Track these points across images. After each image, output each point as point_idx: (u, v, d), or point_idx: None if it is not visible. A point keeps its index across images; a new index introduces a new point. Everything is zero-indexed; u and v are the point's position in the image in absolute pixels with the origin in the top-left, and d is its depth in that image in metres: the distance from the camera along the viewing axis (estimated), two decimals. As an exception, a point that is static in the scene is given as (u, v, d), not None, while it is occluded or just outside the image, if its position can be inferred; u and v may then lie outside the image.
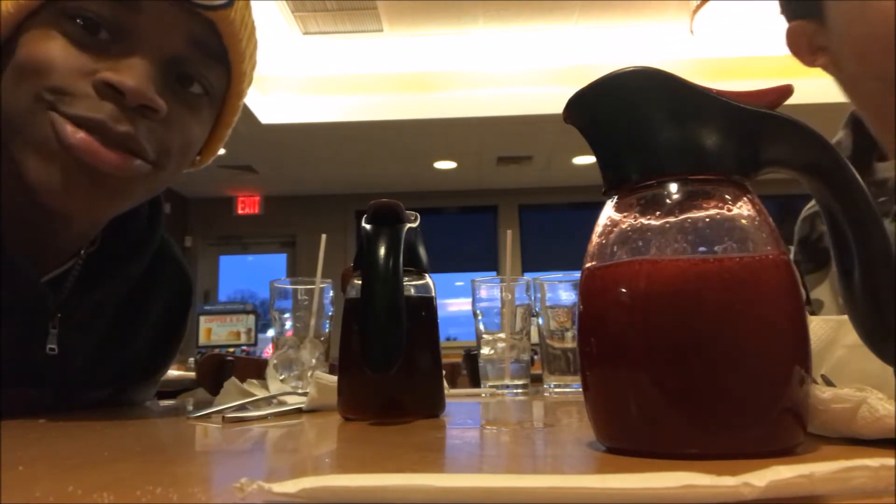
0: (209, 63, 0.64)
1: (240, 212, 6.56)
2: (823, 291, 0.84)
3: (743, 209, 0.35)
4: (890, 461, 0.22)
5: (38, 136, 0.57)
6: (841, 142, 0.89)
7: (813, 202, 0.93)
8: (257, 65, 0.72)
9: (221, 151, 0.79)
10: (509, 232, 0.98)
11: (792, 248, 0.92)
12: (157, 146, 0.62)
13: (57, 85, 0.57)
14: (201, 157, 0.74)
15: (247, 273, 6.69)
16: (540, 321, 0.91)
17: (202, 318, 5.47)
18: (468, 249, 6.45)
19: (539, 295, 0.91)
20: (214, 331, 5.47)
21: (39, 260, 0.68)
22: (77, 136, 0.56)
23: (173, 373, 2.88)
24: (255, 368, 0.94)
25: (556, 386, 0.88)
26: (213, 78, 0.66)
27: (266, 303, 0.95)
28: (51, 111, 0.57)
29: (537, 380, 0.92)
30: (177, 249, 0.89)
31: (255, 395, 0.73)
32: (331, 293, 0.88)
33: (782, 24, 0.85)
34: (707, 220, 0.35)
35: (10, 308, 0.64)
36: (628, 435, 0.34)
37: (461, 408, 0.69)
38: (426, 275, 0.62)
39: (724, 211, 0.35)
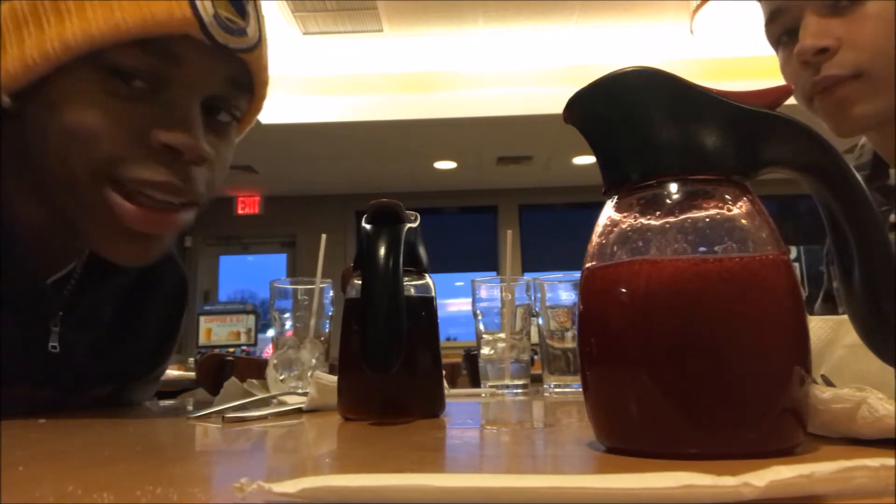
0: (239, 95, 0.66)
1: (240, 212, 6.56)
2: None
3: (743, 209, 0.35)
4: (890, 461, 0.22)
5: (96, 211, 0.59)
6: (865, 144, 0.88)
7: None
8: None
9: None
10: (509, 232, 0.98)
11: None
12: (205, 186, 0.64)
13: (113, 153, 0.57)
14: None
15: (247, 273, 6.69)
16: (540, 321, 0.91)
17: (202, 318, 5.45)
18: (468, 249, 6.44)
19: (539, 295, 0.91)
20: (214, 331, 5.46)
21: (45, 262, 0.69)
22: (135, 214, 0.59)
23: (173, 373, 2.88)
24: (255, 368, 0.94)
25: (556, 386, 0.88)
26: (242, 106, 0.67)
27: (266, 303, 0.95)
28: (109, 189, 0.58)
29: (537, 380, 0.92)
30: (172, 248, 0.90)
31: (255, 395, 0.73)
32: (331, 293, 0.88)
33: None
34: (707, 220, 0.35)
35: (15, 308, 0.65)
36: (628, 435, 0.34)
37: (461, 408, 0.69)
38: (426, 275, 0.62)
39: (724, 211, 0.35)
